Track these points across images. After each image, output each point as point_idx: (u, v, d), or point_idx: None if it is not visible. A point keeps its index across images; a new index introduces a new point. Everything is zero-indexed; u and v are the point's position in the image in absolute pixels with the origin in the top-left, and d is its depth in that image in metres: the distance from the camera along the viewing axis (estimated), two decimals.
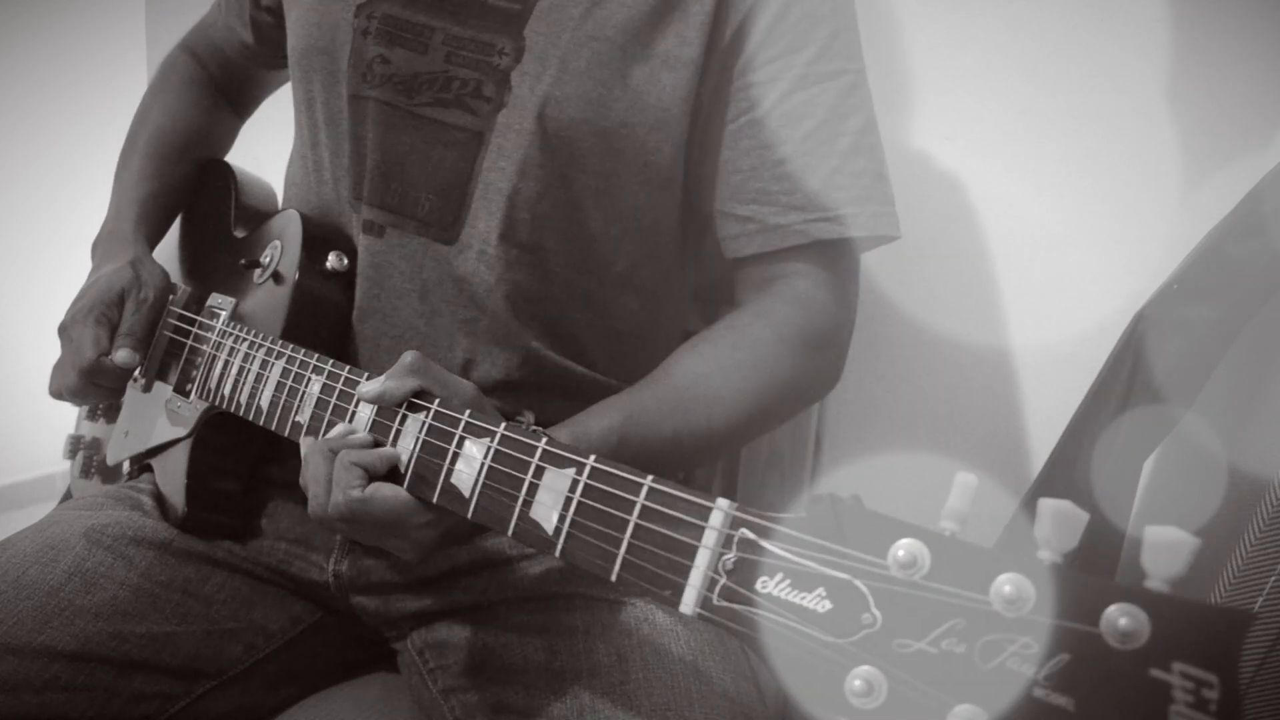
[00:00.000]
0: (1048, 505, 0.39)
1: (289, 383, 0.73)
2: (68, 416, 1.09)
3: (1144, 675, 0.35)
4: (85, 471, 1.03)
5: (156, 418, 0.90)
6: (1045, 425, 1.06)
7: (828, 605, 0.42)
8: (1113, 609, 0.36)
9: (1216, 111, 0.96)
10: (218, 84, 1.09)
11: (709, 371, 0.75)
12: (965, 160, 1.08)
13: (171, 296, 0.92)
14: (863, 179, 0.79)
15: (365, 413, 0.66)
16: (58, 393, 0.88)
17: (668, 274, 0.89)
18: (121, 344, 0.84)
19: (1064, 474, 0.90)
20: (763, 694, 0.76)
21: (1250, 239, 0.83)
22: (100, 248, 0.95)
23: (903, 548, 0.40)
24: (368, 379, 0.68)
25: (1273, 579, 0.76)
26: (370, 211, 0.83)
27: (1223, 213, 0.87)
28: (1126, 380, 0.88)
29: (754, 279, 0.83)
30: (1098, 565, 0.80)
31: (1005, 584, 0.38)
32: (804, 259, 0.81)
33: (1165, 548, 0.36)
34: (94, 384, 0.84)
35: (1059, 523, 0.39)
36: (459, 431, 0.59)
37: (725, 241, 0.83)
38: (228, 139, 1.12)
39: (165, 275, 0.91)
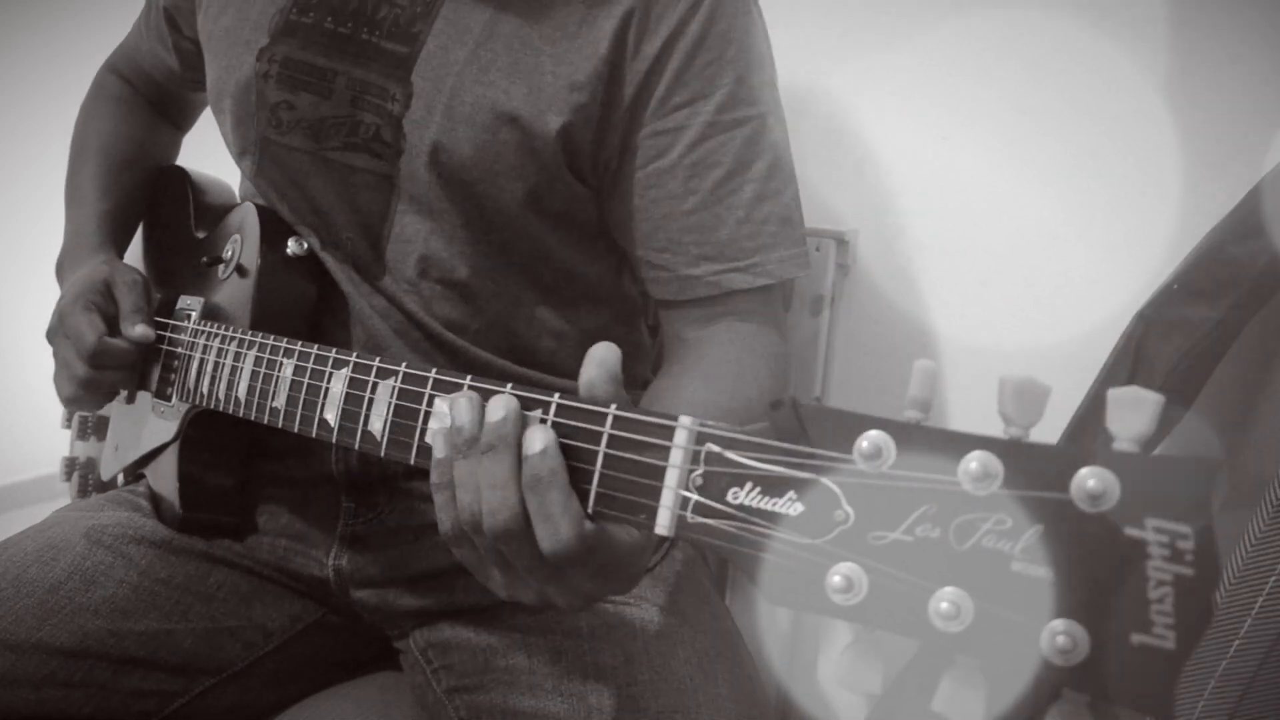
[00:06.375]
0: (1009, 381, 0.38)
1: (263, 370, 0.73)
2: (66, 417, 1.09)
3: (1118, 535, 0.35)
4: (83, 491, 1.04)
5: (143, 427, 0.90)
6: (1046, 426, 1.05)
7: (800, 507, 0.42)
8: (1081, 473, 0.35)
9: (1216, 111, 0.96)
10: (150, 101, 1.09)
11: (708, 399, 0.73)
12: (964, 160, 1.08)
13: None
14: (768, 225, 0.80)
15: (337, 386, 0.65)
16: (71, 397, 0.87)
17: (615, 276, 0.89)
18: (133, 320, 0.84)
19: None
20: (768, 695, 0.76)
21: (1250, 239, 0.83)
22: (66, 267, 0.94)
23: (867, 440, 0.40)
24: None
25: (1273, 579, 0.76)
26: (307, 242, 0.84)
27: (1223, 213, 0.87)
28: (1126, 380, 0.88)
29: (694, 316, 0.82)
30: None
31: (972, 462, 0.37)
32: (747, 300, 0.80)
33: (1128, 407, 0.35)
34: (103, 368, 0.84)
35: (1022, 397, 0.38)
36: (428, 390, 0.58)
37: (644, 282, 0.84)
38: (171, 150, 1.12)
39: (141, 273, 0.91)
